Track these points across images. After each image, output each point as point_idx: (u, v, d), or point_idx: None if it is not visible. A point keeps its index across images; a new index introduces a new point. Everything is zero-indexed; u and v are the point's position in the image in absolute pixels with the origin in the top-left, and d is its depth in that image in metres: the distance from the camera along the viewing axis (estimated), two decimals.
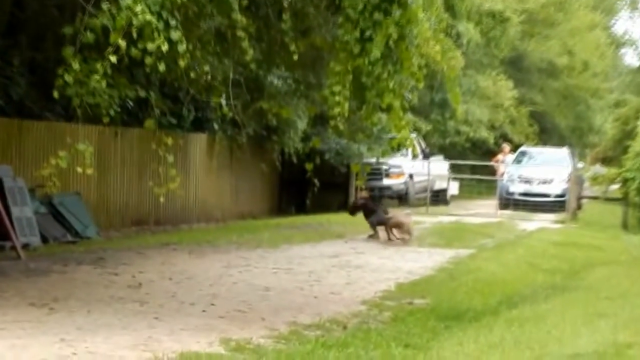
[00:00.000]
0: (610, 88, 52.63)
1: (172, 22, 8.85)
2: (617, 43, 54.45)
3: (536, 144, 37.19)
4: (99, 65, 8.78)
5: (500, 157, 30.59)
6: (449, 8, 24.16)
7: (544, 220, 23.86)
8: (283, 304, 9.52)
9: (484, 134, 35.04)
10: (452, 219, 22.82)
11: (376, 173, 25.19)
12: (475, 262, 13.75)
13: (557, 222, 23.59)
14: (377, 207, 17.58)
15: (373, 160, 23.33)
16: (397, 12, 9.68)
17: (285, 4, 11.39)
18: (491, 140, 35.75)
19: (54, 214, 14.97)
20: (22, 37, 15.99)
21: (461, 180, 32.22)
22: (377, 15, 9.61)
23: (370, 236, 16.82)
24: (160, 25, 8.70)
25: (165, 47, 8.73)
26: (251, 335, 7.55)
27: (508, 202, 26.88)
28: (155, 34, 8.66)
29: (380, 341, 7.44)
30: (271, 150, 22.60)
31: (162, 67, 8.95)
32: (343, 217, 17.60)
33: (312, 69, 13.71)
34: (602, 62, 46.32)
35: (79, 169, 9.87)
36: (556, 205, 26.46)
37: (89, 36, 8.81)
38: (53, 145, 14.84)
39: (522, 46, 40.40)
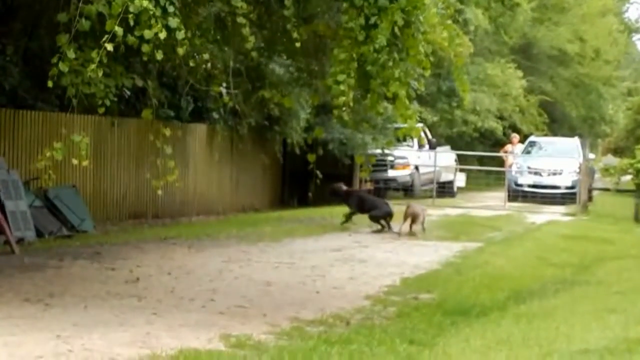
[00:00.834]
0: (622, 76, 52.19)
1: (170, 9, 8.74)
2: (630, 29, 53.60)
3: (546, 134, 36.94)
4: (94, 54, 8.68)
5: (509, 147, 30.36)
6: None
7: (553, 213, 23.70)
8: (285, 299, 9.46)
9: (492, 123, 34.67)
10: (459, 211, 22.76)
11: (381, 164, 24.94)
12: (482, 256, 13.65)
13: (567, 214, 23.43)
14: (378, 200, 17.56)
15: (378, 151, 23.07)
16: None
17: None
18: (500, 130, 35.43)
19: (49, 207, 14.78)
20: (15, 25, 15.78)
21: (468, 171, 32.06)
22: (383, 1, 9.46)
23: (375, 231, 16.61)
24: (158, 12, 8.59)
25: (163, 35, 8.61)
26: (252, 332, 7.49)
27: (517, 194, 26.72)
28: (153, 21, 8.55)
29: (384, 337, 7.36)
30: (273, 141, 22.36)
31: (159, 55, 8.85)
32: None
33: (315, 56, 13.52)
34: (615, 49, 45.52)
35: (75, 161, 9.69)
36: (566, 197, 26.31)
37: (84, 23, 8.71)
38: (48, 137, 14.69)
39: (532, 33, 40.07)
